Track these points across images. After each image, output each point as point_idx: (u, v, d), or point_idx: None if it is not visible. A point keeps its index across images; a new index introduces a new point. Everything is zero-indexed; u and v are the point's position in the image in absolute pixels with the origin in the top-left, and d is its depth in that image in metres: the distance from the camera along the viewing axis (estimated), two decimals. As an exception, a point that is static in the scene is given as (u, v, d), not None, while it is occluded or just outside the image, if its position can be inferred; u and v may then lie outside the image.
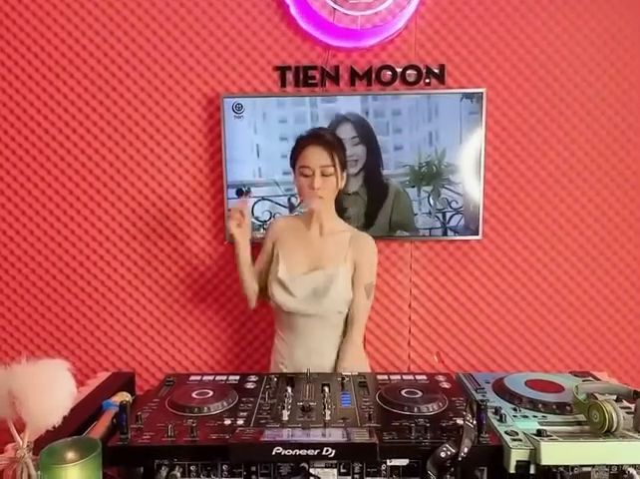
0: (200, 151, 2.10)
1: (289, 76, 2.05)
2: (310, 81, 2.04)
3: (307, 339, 1.57)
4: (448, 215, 1.73)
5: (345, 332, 1.59)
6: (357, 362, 1.57)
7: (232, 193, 1.98)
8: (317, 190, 1.50)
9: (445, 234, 1.76)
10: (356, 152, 1.82)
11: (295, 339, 1.59)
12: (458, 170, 1.73)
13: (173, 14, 2.04)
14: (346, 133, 1.88)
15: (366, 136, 1.84)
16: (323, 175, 1.50)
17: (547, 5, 2.02)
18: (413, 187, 1.77)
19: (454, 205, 1.72)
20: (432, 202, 1.68)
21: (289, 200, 1.86)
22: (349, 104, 1.93)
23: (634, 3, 2.02)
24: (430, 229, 1.70)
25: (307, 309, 1.54)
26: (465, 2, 2.02)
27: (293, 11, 2.00)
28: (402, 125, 1.85)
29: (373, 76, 2.03)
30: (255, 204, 1.85)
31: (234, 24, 2.04)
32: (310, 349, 1.57)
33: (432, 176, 1.70)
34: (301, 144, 1.54)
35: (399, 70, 2.03)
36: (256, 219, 1.83)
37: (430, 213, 1.72)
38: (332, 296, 1.53)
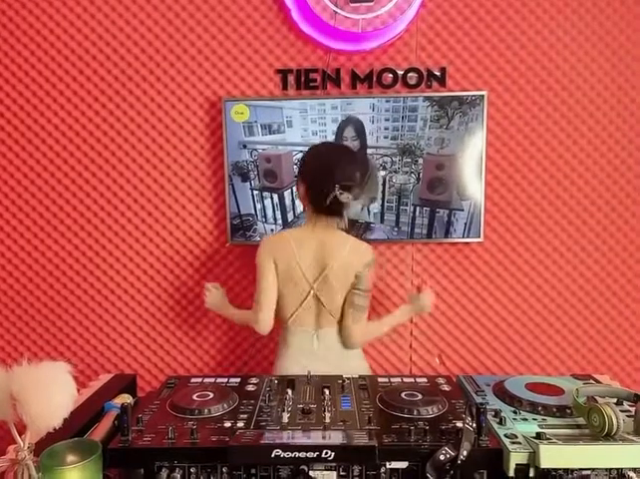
0: (202, 154, 2.11)
1: (291, 79, 2.06)
2: (311, 84, 2.05)
3: None
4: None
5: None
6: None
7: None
8: None
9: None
10: (354, 145, 2.06)
11: None
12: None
13: (175, 18, 2.05)
14: (348, 132, 2.07)
15: (360, 133, 2.08)
16: None
17: (549, 7, 2.02)
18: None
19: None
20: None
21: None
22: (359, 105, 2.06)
23: (635, 5, 2.02)
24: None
25: None
26: (465, 5, 2.03)
27: (294, 14, 2.01)
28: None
29: (374, 79, 2.04)
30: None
31: (236, 27, 2.05)
32: None
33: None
34: None
35: (400, 73, 2.03)
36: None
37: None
38: None
